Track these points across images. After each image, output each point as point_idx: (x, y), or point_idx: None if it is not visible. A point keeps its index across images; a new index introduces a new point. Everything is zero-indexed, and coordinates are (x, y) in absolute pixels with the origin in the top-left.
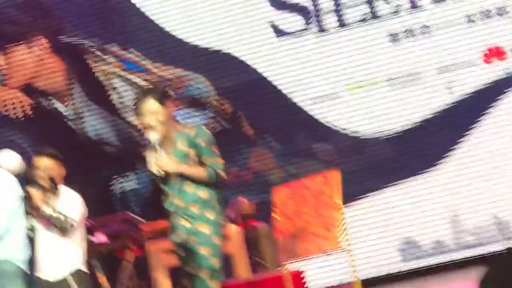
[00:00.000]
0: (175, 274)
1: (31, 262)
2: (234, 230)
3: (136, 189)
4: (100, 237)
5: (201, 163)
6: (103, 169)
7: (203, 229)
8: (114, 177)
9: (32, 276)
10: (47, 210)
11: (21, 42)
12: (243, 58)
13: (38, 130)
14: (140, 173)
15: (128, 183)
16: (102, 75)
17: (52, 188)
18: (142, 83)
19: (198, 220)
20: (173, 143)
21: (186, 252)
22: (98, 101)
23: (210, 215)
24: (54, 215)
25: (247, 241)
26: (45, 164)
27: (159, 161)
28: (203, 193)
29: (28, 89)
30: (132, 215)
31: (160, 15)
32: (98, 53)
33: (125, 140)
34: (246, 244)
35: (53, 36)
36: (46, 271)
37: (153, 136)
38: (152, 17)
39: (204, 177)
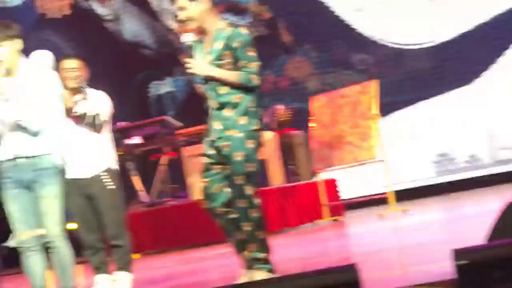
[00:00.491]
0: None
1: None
2: (269, 136)
3: (173, 93)
4: (136, 140)
5: (237, 66)
6: (140, 72)
7: (235, 134)
8: (151, 80)
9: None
10: (77, 108)
11: None
12: None
13: (76, 31)
14: (177, 77)
15: (164, 87)
16: None
17: (80, 89)
18: None
19: (231, 125)
20: (211, 41)
21: (220, 156)
22: (136, 3)
23: (243, 120)
24: (85, 112)
25: (282, 148)
26: (72, 66)
27: (191, 65)
28: (237, 97)
29: None
30: (168, 119)
31: None
32: None
33: (162, 43)
34: (281, 151)
35: None
36: (79, 169)
37: (186, 39)
38: None
39: (237, 81)
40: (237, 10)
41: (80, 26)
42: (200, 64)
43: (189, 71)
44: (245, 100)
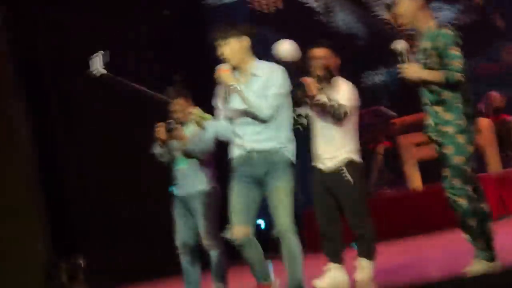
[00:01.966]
0: (424, 167)
1: (298, 153)
2: (485, 123)
3: (387, 82)
4: None
5: (442, 64)
6: (354, 62)
7: (445, 129)
8: (364, 71)
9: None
10: (321, 97)
11: None
12: None
13: (289, 24)
14: (391, 67)
15: (379, 77)
16: None
17: (326, 78)
18: None
19: (441, 121)
20: (421, 39)
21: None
22: None
23: (450, 117)
24: (328, 102)
25: (499, 134)
26: (320, 54)
27: (404, 70)
28: (444, 94)
29: None
30: (382, 108)
31: None
32: None
33: (375, 33)
34: (497, 137)
35: None
36: (321, 161)
37: (399, 45)
38: None
39: (442, 80)
40: None
41: (294, 20)
42: (411, 68)
43: (401, 76)
44: (452, 96)
